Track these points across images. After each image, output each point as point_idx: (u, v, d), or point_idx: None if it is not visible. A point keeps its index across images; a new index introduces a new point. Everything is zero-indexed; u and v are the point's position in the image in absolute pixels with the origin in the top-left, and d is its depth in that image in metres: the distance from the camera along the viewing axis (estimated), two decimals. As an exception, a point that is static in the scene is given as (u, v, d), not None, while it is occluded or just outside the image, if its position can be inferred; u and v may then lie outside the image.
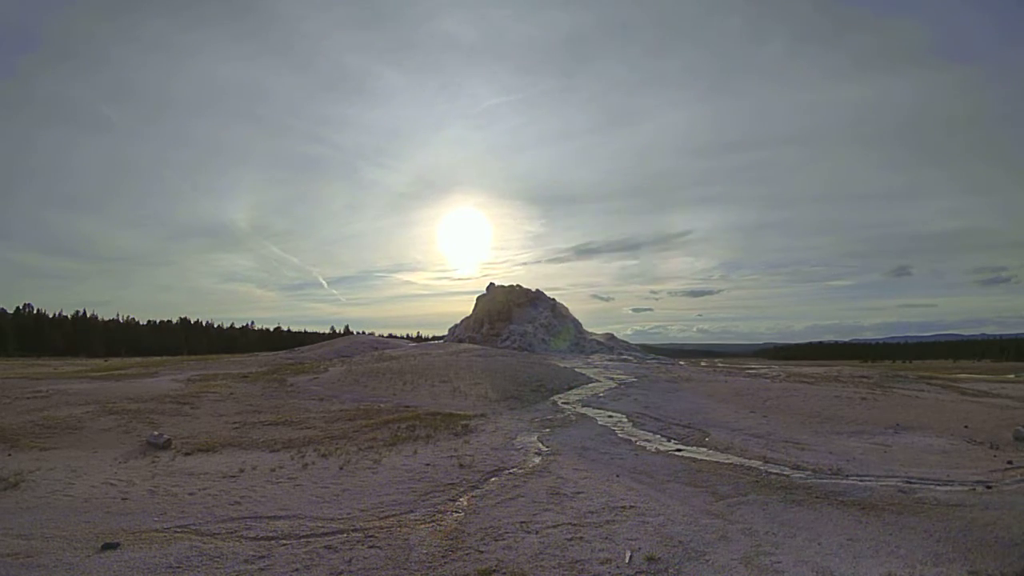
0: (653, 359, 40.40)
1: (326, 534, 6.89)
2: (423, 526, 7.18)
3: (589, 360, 34.44)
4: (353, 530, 7.01)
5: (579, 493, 8.54)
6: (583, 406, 18.24)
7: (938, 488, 8.80)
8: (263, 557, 6.13)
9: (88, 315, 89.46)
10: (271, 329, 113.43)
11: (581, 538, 6.61)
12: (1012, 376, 39.75)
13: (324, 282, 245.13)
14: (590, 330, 48.24)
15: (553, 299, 49.16)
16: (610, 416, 16.33)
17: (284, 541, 6.66)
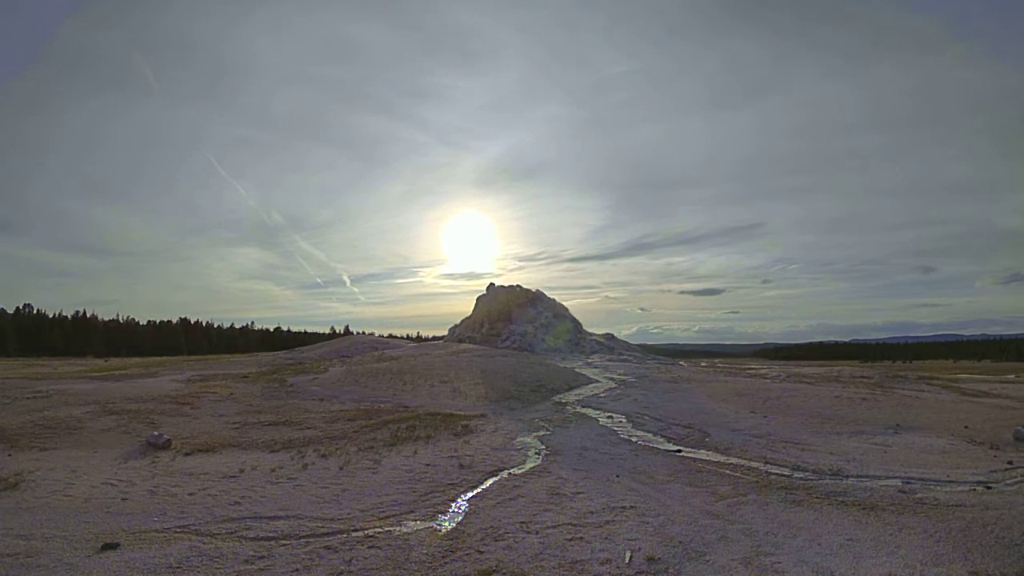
0: (653, 359, 40.39)
1: (326, 534, 6.88)
2: (423, 526, 7.18)
3: (589, 360, 34.43)
4: (353, 530, 7.01)
5: (579, 493, 8.54)
6: (583, 406, 18.23)
7: (938, 488, 8.80)
8: (263, 557, 6.13)
9: (88, 315, 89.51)
10: (271, 329, 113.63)
11: (581, 538, 6.60)
12: (1012, 376, 39.74)
13: (347, 280, 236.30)
14: (590, 330, 48.28)
15: (553, 299, 49.19)
16: (610, 416, 16.32)
17: (284, 541, 6.65)
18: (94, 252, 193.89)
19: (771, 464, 10.62)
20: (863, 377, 27.70)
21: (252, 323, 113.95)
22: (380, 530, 7.01)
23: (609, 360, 35.18)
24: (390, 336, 78.10)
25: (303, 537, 6.79)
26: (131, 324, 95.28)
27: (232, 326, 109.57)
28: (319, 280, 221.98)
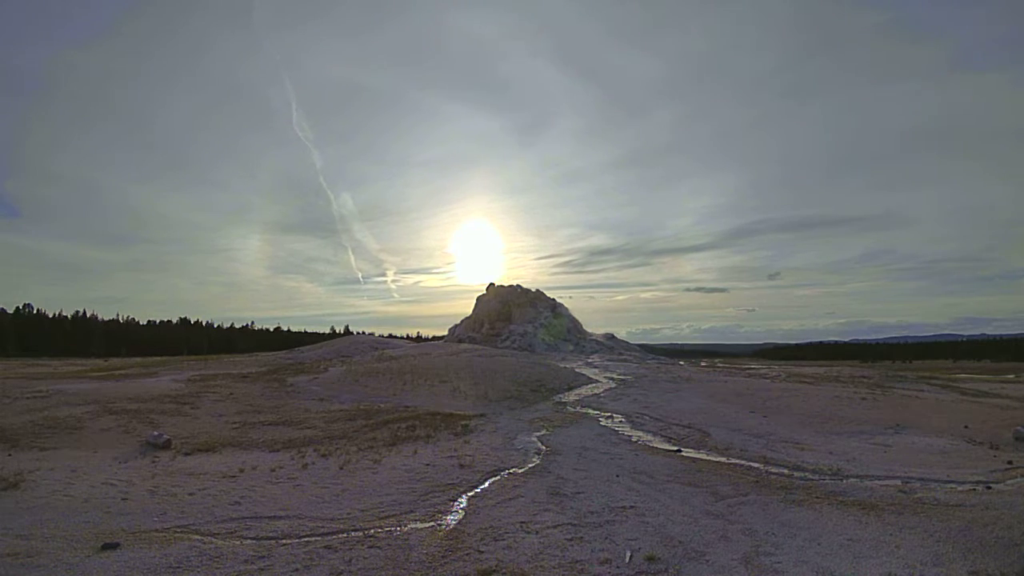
0: (653, 359, 40.39)
1: (326, 534, 6.88)
2: (423, 526, 7.18)
3: (589, 360, 34.43)
4: (353, 530, 7.01)
5: (579, 493, 8.54)
6: (583, 406, 18.24)
7: (938, 488, 8.80)
8: (263, 557, 6.12)
9: (88, 315, 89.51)
10: (271, 329, 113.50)
11: (581, 538, 6.60)
12: (1012, 376, 39.73)
13: (390, 276, 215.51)
14: (590, 330, 48.37)
15: (553, 299, 49.31)
16: (610, 416, 16.32)
17: (284, 541, 6.66)
18: (114, 242, 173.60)
19: (771, 464, 10.62)
20: (863, 377, 27.70)
21: (252, 323, 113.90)
22: (380, 530, 7.01)
23: (609, 360, 35.18)
24: (390, 336, 78.17)
25: (303, 537, 6.79)
26: (131, 324, 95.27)
27: (232, 326, 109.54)
28: (359, 275, 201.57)
